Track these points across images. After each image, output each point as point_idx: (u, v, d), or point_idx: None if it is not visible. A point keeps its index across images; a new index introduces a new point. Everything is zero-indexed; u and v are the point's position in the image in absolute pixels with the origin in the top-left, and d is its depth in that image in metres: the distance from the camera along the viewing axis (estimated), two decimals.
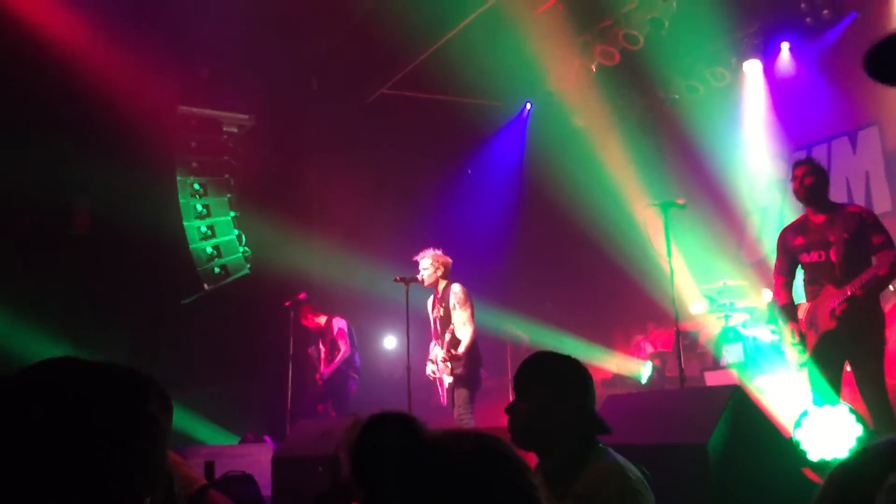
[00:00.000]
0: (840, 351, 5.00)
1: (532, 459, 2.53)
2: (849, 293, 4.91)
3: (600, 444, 2.54)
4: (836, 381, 4.97)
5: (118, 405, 1.23)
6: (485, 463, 1.22)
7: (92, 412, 1.20)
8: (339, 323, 8.88)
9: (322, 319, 8.94)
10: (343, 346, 8.74)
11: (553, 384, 2.53)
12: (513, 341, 10.88)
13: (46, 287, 8.53)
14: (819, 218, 5.20)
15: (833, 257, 5.03)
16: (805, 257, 5.24)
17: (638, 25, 9.71)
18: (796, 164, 5.32)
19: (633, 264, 9.81)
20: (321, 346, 8.97)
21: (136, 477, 1.22)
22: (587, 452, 2.48)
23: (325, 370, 8.77)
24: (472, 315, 6.72)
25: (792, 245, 5.33)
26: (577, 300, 11.65)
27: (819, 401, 4.81)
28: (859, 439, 4.31)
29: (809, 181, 5.18)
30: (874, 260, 4.96)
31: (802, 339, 5.15)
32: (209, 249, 10.04)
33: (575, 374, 2.58)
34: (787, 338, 5.30)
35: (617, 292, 11.03)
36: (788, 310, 5.36)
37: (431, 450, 1.21)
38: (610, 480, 2.37)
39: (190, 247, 9.88)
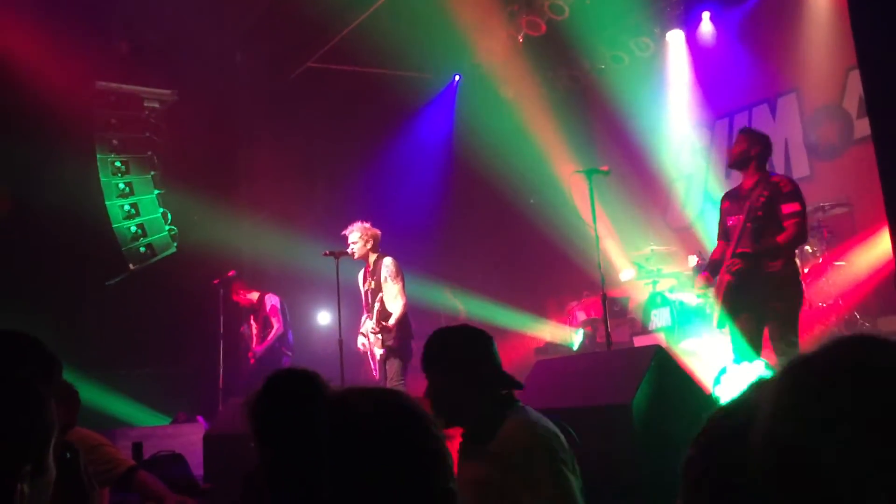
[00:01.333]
0: (742, 305, 5.07)
1: None
2: (738, 250, 5.01)
3: (518, 403, 2.62)
4: (752, 338, 5.03)
5: None
6: (389, 417, 1.23)
7: None
8: (271, 300, 8.78)
9: (254, 296, 8.82)
10: (276, 323, 8.64)
11: (452, 357, 2.61)
12: (449, 313, 10.93)
13: None
14: (747, 184, 5.32)
15: (746, 222, 5.11)
16: (729, 221, 5.37)
17: None
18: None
19: (565, 233, 9.91)
20: (253, 323, 8.86)
21: (4, 443, 1.17)
22: (502, 412, 2.55)
23: (257, 348, 8.67)
24: (403, 288, 6.75)
25: (722, 208, 5.50)
26: (510, 270, 11.73)
27: (739, 358, 4.94)
28: None
29: (736, 150, 5.35)
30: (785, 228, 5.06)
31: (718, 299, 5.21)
32: (133, 228, 9.81)
33: (471, 341, 2.66)
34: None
35: (550, 261, 11.13)
36: (711, 265, 5.49)
37: (335, 406, 1.21)
38: (517, 436, 2.46)
39: (113, 226, 9.64)
